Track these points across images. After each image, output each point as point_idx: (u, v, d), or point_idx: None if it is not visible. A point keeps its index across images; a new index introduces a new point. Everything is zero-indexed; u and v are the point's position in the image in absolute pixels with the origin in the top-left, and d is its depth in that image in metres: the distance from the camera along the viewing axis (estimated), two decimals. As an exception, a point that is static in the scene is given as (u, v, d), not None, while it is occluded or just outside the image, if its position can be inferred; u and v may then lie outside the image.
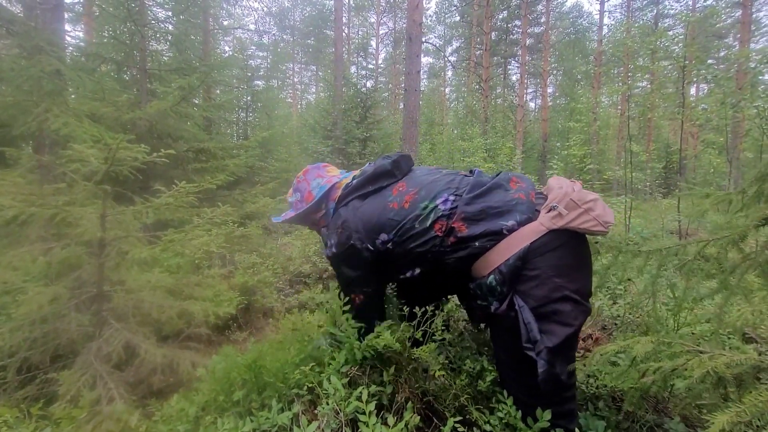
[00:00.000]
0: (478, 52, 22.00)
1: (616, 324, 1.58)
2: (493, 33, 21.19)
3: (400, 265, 1.24)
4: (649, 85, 14.06)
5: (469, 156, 11.12)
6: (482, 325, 1.51)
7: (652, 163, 12.00)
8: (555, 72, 26.06)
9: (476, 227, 1.11)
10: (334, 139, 10.91)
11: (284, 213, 1.53)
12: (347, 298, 1.28)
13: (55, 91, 3.22)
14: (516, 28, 21.84)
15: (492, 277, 1.08)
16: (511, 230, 1.08)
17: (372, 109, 10.76)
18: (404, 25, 18.65)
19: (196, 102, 8.30)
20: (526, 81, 22.22)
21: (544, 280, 1.07)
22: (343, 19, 19.16)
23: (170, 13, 10.90)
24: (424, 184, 1.22)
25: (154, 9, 10.80)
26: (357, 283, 1.28)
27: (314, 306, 2.64)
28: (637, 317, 1.51)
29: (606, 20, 20.44)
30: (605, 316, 1.63)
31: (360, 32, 29.48)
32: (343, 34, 20.17)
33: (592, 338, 1.62)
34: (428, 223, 1.16)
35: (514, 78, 24.89)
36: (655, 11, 20.15)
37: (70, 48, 7.00)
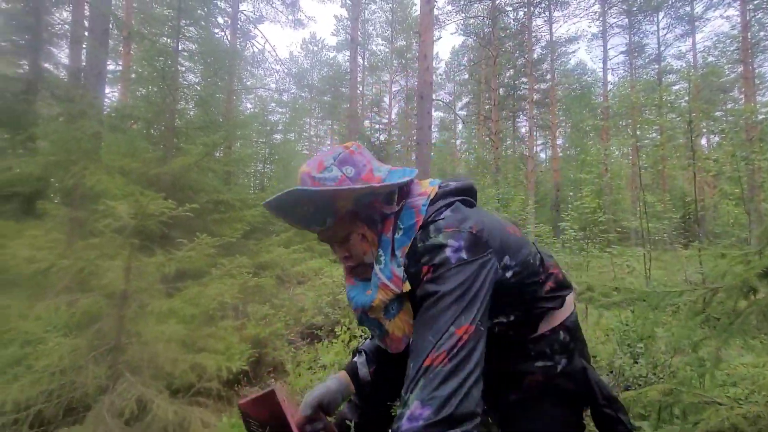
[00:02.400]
0: (487, 106, 22.99)
1: (639, 384, 1.52)
2: (501, 89, 22.28)
3: (503, 303, 0.90)
4: (658, 136, 14.31)
5: (483, 205, 11.24)
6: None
7: (668, 213, 11.90)
8: (563, 124, 26.85)
9: (565, 276, 1.02)
10: (348, 190, 11.26)
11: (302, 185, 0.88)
12: (445, 332, 0.74)
13: (92, 150, 3.49)
14: (523, 85, 22.93)
15: (562, 333, 0.96)
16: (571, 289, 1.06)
17: (385, 162, 11.15)
18: (416, 83, 19.84)
19: (217, 156, 8.77)
20: (535, 133, 22.92)
21: (585, 344, 1.08)
22: (358, 77, 20.53)
23: (200, 78, 11.89)
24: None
25: (186, 74, 11.80)
26: (473, 310, 0.77)
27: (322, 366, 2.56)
28: (661, 378, 1.46)
29: (609, 77, 21.37)
30: (627, 375, 1.57)
31: (374, 89, 31.34)
32: (358, 91, 21.52)
33: (615, 401, 1.55)
34: (537, 262, 0.97)
35: (523, 130, 25.71)
36: (657, 68, 21.02)
37: (107, 109, 7.62)
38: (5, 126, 6.96)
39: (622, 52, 21.95)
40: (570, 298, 1.03)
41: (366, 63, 27.99)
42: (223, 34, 14.42)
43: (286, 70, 23.84)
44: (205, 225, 5.23)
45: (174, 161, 4.84)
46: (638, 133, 12.71)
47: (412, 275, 0.86)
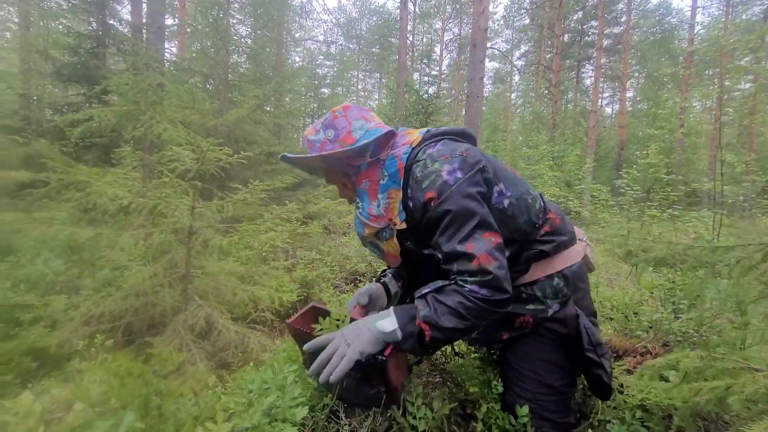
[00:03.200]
0: (549, 55, 21.01)
1: (679, 341, 1.49)
2: (566, 35, 20.13)
3: None
4: (750, 86, 12.40)
5: (534, 164, 10.67)
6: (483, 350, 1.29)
7: (752, 176, 10.56)
8: (636, 75, 24.00)
9: (566, 224, 1.12)
10: (394, 145, 11.14)
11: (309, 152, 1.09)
12: (478, 242, 0.88)
13: (157, 101, 3.75)
14: (592, 29, 20.51)
15: (556, 279, 1.05)
16: (574, 242, 1.14)
17: (433, 116, 10.80)
18: (470, 30, 18.42)
19: (268, 109, 9.01)
20: (601, 85, 20.76)
21: (586, 294, 1.14)
22: (408, 27, 19.48)
23: (250, 30, 11.96)
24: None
25: (237, 26, 11.91)
26: (488, 220, 0.92)
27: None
28: (703, 335, 1.41)
29: (699, 17, 18.44)
30: (666, 330, 1.54)
31: (424, 39, 29.69)
32: (408, 41, 20.51)
33: (651, 354, 1.53)
34: (537, 205, 1.08)
35: (588, 82, 23.38)
36: (765, 5, 17.72)
37: (167, 63, 8.00)
38: (81, 81, 7.61)
39: (718, -14, 18.64)
40: (576, 249, 1.12)
41: (417, 10, 26.36)
42: (271, -18, 14.17)
43: (334, 20, 23.22)
44: (257, 175, 5.53)
45: (229, 113, 5.07)
46: (726, 83, 11.08)
47: (418, 206, 0.97)
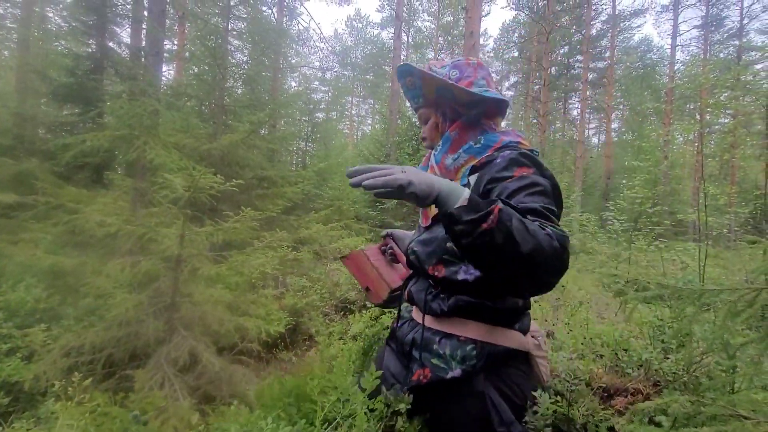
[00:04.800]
0: (537, 86, 21.80)
1: (669, 381, 1.48)
2: (553, 68, 20.96)
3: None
4: (729, 121, 12.94)
5: (523, 191, 10.83)
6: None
7: (735, 208, 10.84)
8: (620, 107, 24.93)
9: (528, 316, 1.07)
10: (386, 170, 11.27)
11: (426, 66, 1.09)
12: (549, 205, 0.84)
13: (152, 126, 3.77)
14: (577, 63, 21.41)
15: (471, 347, 0.95)
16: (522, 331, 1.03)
17: (417, 152, 11.02)
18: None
19: (263, 133, 9.10)
20: (587, 116, 21.49)
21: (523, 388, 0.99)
22: (401, 55, 20.14)
23: (247, 56, 12.22)
24: None
25: (235, 53, 12.16)
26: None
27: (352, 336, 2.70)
28: (693, 375, 1.41)
29: (678, 54, 19.41)
30: (656, 369, 1.53)
31: (418, 68, 30.61)
32: (402, 70, 21.12)
33: (642, 394, 1.52)
34: None
35: (574, 113, 24.21)
36: (738, 44, 18.75)
37: (164, 87, 8.09)
38: (77, 101, 7.63)
39: (695, 27, 19.73)
40: (519, 339, 1.00)
41: (410, 40, 27.33)
42: (270, 12, 14.63)
43: (330, 48, 23.84)
44: (250, 199, 5.52)
45: (223, 138, 5.10)
46: (707, 117, 11.56)
47: (497, 182, 0.89)
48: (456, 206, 0.73)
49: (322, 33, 32.86)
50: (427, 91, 1.10)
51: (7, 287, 2.15)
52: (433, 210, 1.01)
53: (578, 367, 1.37)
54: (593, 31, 18.94)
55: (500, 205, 0.71)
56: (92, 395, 1.18)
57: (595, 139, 29.25)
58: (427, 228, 1.07)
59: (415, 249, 1.06)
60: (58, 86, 7.70)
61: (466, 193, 0.75)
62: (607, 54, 19.88)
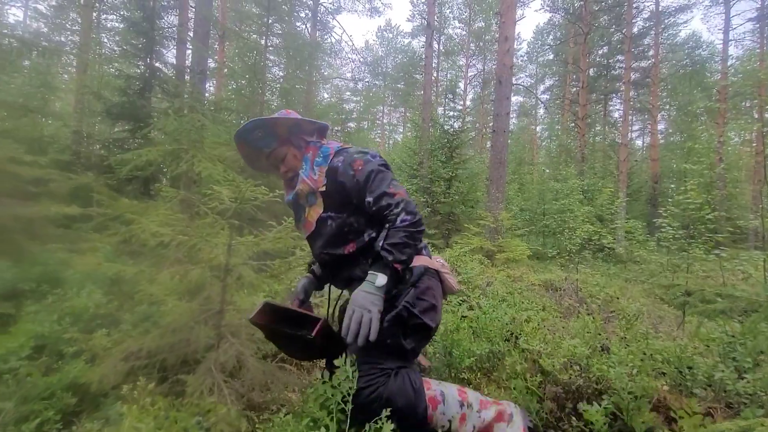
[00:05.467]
0: (574, 89, 21.06)
1: (744, 403, 1.35)
2: (591, 69, 20.21)
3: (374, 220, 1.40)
4: (793, 120, 11.85)
5: (563, 197, 10.44)
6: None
7: (802, 212, 9.89)
8: (666, 107, 23.56)
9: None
10: (419, 178, 11.21)
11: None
12: (395, 187, 1.33)
13: (198, 140, 3.97)
14: (618, 64, 20.51)
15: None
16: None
17: (458, 149, 10.88)
18: (494, 66, 18.85)
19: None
20: (630, 118, 20.47)
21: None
22: (433, 63, 20.15)
23: (283, 70, 12.66)
24: None
25: (272, 68, 12.65)
26: (397, 181, 1.38)
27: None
28: (774, 400, 1.27)
29: (732, 50, 18.15)
30: (730, 391, 1.40)
31: (448, 75, 30.52)
32: (432, 77, 21.14)
33: (712, 416, 1.39)
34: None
35: (616, 114, 23.12)
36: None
37: (206, 103, 8.53)
38: (128, 119, 8.21)
39: (750, 19, 18.35)
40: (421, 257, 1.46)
41: (441, 48, 27.31)
42: (304, 27, 15.13)
43: (361, 59, 24.32)
44: (287, 209, 5.66)
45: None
46: (766, 116, 10.67)
47: (342, 174, 1.36)
48: (386, 280, 1.24)
49: (353, 44, 33.67)
50: (281, 131, 1.47)
51: (72, 294, 2.32)
52: (312, 215, 1.43)
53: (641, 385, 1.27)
54: (635, 30, 18.07)
55: (391, 261, 1.24)
56: (154, 399, 1.25)
57: (639, 142, 27.82)
58: (314, 234, 1.45)
59: (324, 249, 1.43)
60: (112, 105, 8.31)
61: (381, 276, 1.24)
62: (651, 53, 18.88)
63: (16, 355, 1.68)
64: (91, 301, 2.23)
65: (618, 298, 2.03)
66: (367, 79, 30.52)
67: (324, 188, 1.38)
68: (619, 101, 21.30)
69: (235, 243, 2.12)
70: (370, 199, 1.30)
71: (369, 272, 1.27)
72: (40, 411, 1.42)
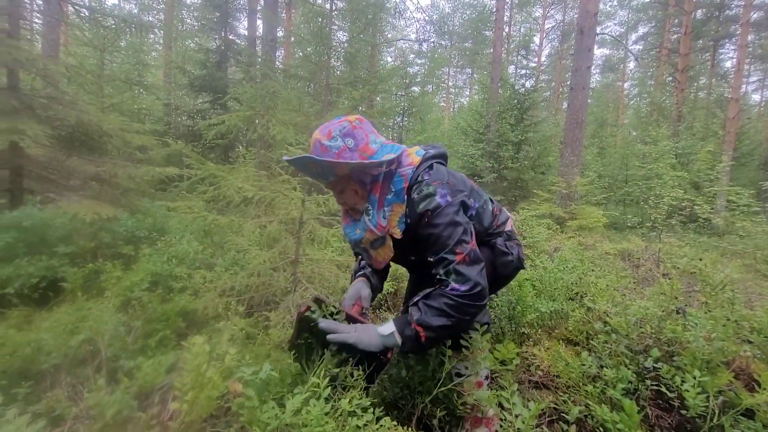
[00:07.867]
0: (675, 36, 18.14)
1: None
2: (698, 11, 17.16)
3: None
4: None
5: (651, 162, 9.33)
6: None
7: None
8: (798, 51, 19.38)
9: (503, 212, 1.45)
10: (486, 143, 10.76)
11: (313, 153, 1.19)
12: (461, 248, 1.13)
13: (272, 106, 4.23)
14: (734, 2, 17.13)
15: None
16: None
17: (530, 111, 10.18)
18: (575, 15, 16.77)
19: (362, 109, 9.45)
20: (746, 67, 17.22)
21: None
22: (504, 17, 18.55)
23: (347, 35, 12.62)
24: None
25: (337, 33, 12.66)
26: (469, 232, 1.17)
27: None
28: None
29: None
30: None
31: (522, 29, 27.95)
32: (504, 33, 19.53)
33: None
34: (489, 207, 1.38)
35: (728, 64, 19.61)
36: None
37: (276, 71, 8.88)
38: (208, 90, 8.89)
39: None
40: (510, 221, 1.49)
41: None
42: (368, -14, 14.72)
43: (426, 18, 23.18)
44: (353, 172, 5.87)
45: (328, 115, 5.46)
46: None
47: (414, 221, 1.19)
48: (399, 346, 1.12)
49: (419, 2, 32.08)
50: (339, 171, 1.20)
51: (175, 241, 2.72)
52: (381, 257, 1.28)
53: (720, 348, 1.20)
54: (762, -45, 14.80)
55: (414, 320, 1.10)
56: (237, 322, 1.48)
57: (755, 96, 23.51)
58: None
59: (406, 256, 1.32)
60: (194, 78, 9.03)
61: (397, 336, 1.11)
62: (783, -17, 15.42)
63: (138, 287, 2.06)
64: (190, 247, 2.60)
65: (701, 270, 1.82)
66: (432, 39, 29.17)
67: (399, 233, 1.22)
68: (732, 48, 17.99)
69: (308, 199, 2.30)
70: (431, 258, 1.15)
71: (390, 318, 1.17)
72: (160, 329, 1.76)
